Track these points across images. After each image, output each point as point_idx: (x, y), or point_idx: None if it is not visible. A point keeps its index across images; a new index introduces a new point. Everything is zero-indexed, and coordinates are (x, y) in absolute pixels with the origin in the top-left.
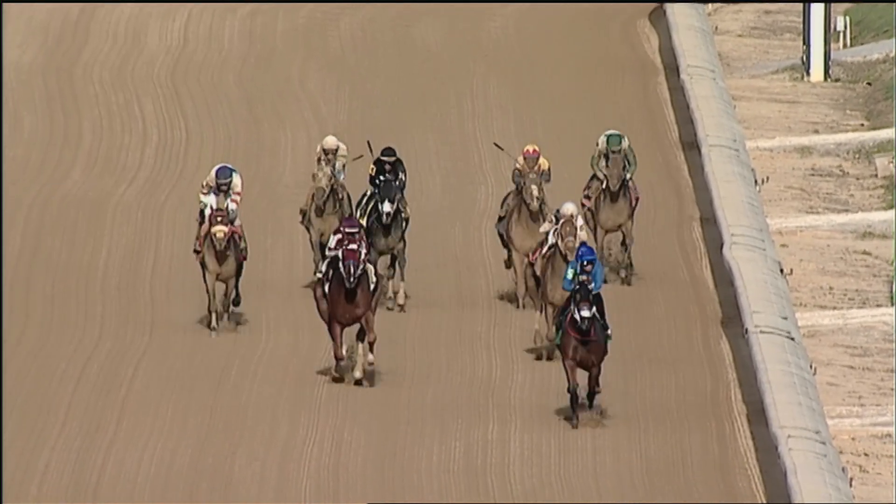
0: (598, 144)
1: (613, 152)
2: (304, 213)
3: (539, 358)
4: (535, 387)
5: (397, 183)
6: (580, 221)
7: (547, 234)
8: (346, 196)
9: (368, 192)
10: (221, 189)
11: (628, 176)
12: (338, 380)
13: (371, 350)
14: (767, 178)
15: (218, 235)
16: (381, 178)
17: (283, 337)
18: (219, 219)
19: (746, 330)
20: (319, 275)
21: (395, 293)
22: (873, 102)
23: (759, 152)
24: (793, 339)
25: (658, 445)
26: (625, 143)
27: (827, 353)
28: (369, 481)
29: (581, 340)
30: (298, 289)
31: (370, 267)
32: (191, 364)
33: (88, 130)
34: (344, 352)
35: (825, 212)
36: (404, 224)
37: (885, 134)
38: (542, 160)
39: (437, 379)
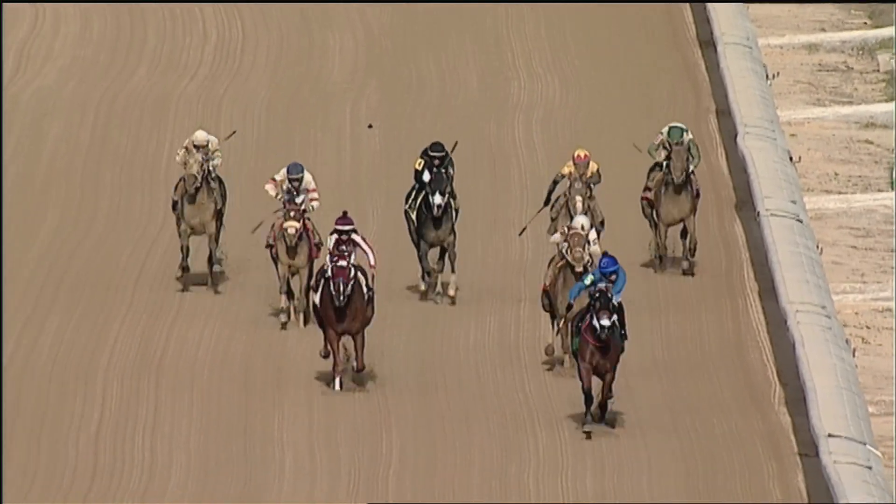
0: (661, 134)
1: (676, 144)
2: (175, 202)
3: (551, 368)
4: None
5: (446, 176)
6: (593, 235)
7: (557, 244)
8: (219, 185)
9: (416, 186)
10: (293, 186)
11: (691, 168)
12: (342, 376)
13: (359, 372)
14: (778, 73)
15: (290, 231)
16: (430, 172)
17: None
18: (292, 213)
19: (758, 213)
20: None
21: (445, 285)
22: (876, 2)
23: (770, 49)
24: (801, 221)
25: (676, 321)
26: (687, 137)
27: (832, 234)
28: (412, 355)
29: (598, 346)
30: (346, 181)
31: (362, 278)
32: (248, 248)
33: (153, 32)
34: (342, 356)
35: (831, 104)
36: (454, 216)
37: (886, 32)
38: (591, 164)
39: (472, 262)
